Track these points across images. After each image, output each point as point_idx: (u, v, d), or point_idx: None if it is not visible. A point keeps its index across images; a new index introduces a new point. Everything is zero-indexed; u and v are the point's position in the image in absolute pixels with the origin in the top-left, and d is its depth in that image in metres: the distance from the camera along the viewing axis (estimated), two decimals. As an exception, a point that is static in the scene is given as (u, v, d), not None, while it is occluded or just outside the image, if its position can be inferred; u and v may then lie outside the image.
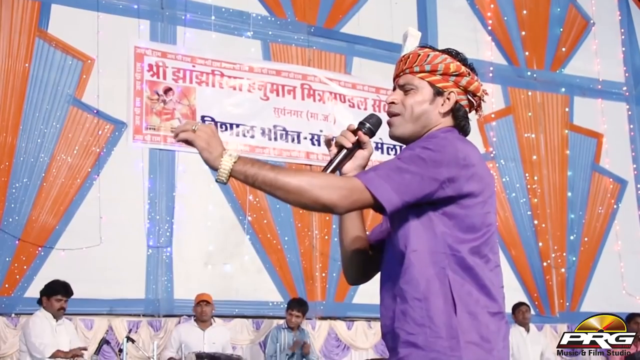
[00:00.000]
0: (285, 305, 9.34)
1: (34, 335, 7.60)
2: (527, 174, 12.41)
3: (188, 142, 2.42)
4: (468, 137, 2.68)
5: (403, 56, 2.75)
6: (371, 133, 2.68)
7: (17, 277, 8.83)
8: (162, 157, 9.78)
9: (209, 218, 9.94)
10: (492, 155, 12.18)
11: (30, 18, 9.40)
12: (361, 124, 2.67)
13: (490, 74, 12.41)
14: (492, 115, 12.33)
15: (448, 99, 2.66)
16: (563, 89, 13.04)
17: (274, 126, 10.52)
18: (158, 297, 9.45)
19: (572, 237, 12.47)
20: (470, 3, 12.61)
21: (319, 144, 10.74)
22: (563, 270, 12.22)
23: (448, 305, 2.44)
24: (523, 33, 12.95)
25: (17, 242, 8.86)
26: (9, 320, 8.65)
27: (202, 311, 8.76)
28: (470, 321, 2.44)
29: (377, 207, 2.42)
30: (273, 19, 10.93)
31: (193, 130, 2.40)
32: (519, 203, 12.24)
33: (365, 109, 11.16)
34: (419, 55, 2.67)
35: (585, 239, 12.55)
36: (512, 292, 11.47)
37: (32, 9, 9.43)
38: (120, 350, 7.70)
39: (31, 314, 8.07)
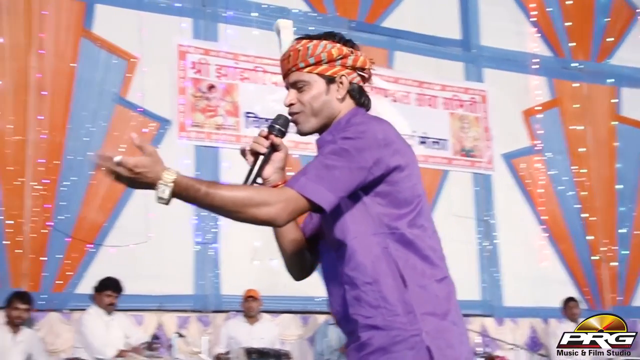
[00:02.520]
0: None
1: (90, 336, 7.91)
2: (574, 167, 12.41)
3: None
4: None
5: (284, 55, 2.81)
6: (282, 134, 2.76)
7: (69, 273, 9.02)
8: (207, 154, 10.00)
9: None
10: (538, 148, 12.22)
11: (76, 18, 9.63)
12: (270, 127, 2.75)
13: (535, 66, 12.47)
14: (538, 108, 12.37)
15: (341, 83, 2.75)
16: (610, 80, 13.00)
17: None
18: (206, 293, 9.61)
19: (622, 230, 12.46)
20: None
21: None
22: (614, 264, 12.20)
23: (398, 283, 2.56)
24: (568, 24, 12.94)
25: (67, 239, 9.06)
26: (62, 316, 8.86)
27: (250, 307, 8.96)
28: (421, 293, 2.56)
29: (315, 209, 2.51)
30: (314, 14, 11.10)
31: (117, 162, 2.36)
32: (567, 196, 12.26)
33: (408, 103, 11.30)
34: (299, 50, 2.74)
35: (637, 232, 12.48)
36: (562, 286, 11.60)
37: (78, 9, 9.65)
38: (170, 346, 7.91)
39: (82, 309, 8.38)
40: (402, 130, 10.68)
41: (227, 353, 8.50)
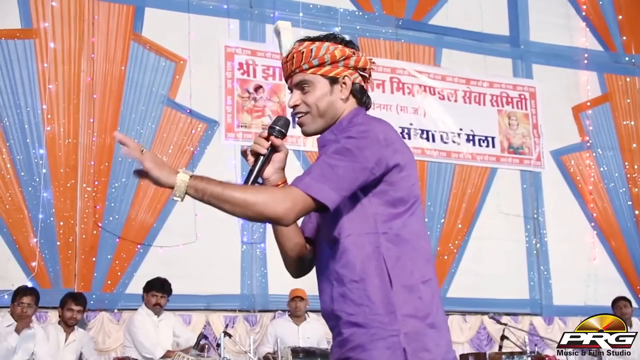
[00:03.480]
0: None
1: (140, 335, 8.02)
2: (626, 163, 12.29)
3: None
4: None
5: (288, 56, 2.85)
6: (282, 135, 2.78)
7: (119, 274, 9.18)
8: (254, 154, 10.10)
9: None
10: (588, 144, 12.10)
11: (125, 22, 9.78)
12: (271, 128, 2.77)
13: (585, 61, 12.33)
14: (588, 104, 12.23)
15: (344, 83, 2.80)
16: (663, 74, 12.79)
17: None
18: (253, 293, 9.70)
19: (677, 228, 12.26)
20: None
21: (408, 137, 10.81)
22: (667, 261, 12.04)
23: (384, 283, 2.60)
24: (620, 17, 12.80)
25: (117, 240, 9.22)
26: (112, 316, 9.02)
27: (297, 306, 8.95)
28: (405, 294, 2.60)
29: (319, 208, 2.55)
30: (360, 13, 11.12)
31: (141, 152, 2.52)
32: (619, 193, 12.13)
33: (455, 100, 11.27)
34: (303, 52, 2.78)
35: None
36: (613, 284, 11.48)
37: (127, 13, 9.81)
38: (218, 345, 7.81)
39: (132, 309, 8.55)
40: (449, 128, 11.04)
41: (274, 353, 8.47)
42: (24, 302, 7.63)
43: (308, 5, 10.80)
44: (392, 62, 11.09)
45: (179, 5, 10.03)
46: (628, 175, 12.34)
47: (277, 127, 2.77)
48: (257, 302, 9.77)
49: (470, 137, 11.31)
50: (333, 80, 2.80)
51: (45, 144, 9.21)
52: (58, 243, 9.09)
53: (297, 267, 2.97)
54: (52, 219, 9.11)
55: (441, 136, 11.16)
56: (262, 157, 2.75)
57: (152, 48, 9.88)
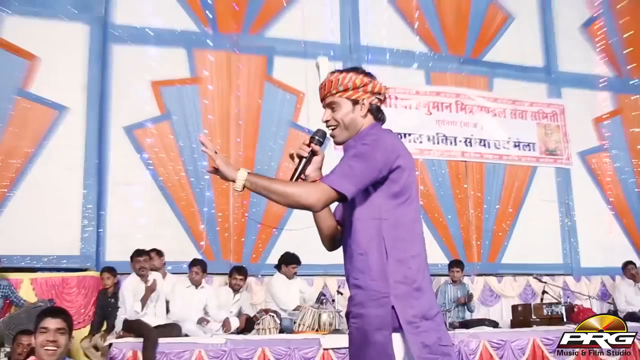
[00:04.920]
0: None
1: (277, 294, 7.90)
2: (634, 160, 11.62)
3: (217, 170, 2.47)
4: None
5: (322, 84, 2.75)
6: (320, 143, 2.67)
7: (260, 249, 9.08)
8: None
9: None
10: (605, 147, 11.41)
11: (261, 68, 9.69)
12: (311, 137, 2.66)
13: (602, 84, 11.64)
14: (605, 116, 11.58)
15: (363, 104, 2.69)
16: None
17: (437, 134, 10.29)
18: None
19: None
20: (583, 32, 11.79)
21: (470, 145, 10.43)
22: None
23: (382, 256, 2.50)
24: (629, 50, 12.05)
25: (259, 225, 9.12)
26: (257, 280, 8.91)
27: None
28: (397, 266, 2.49)
29: (341, 198, 2.45)
30: (432, 53, 10.65)
31: (215, 152, 2.46)
32: (629, 183, 11.47)
33: (504, 116, 10.74)
34: (332, 81, 2.69)
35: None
36: (625, 251, 10.90)
37: (262, 61, 9.72)
38: (333, 300, 7.76)
39: (270, 274, 8.35)
40: (500, 138, 10.55)
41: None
42: (195, 270, 7.62)
43: (393, 50, 10.38)
44: (457, 89, 10.62)
45: (299, 54, 9.69)
46: (635, 169, 11.64)
47: (317, 137, 2.67)
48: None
49: (516, 144, 10.74)
50: (355, 102, 2.70)
51: (207, 158, 9.14)
52: (218, 228, 9.02)
53: (330, 243, 2.84)
54: (213, 211, 9.04)
55: (495, 144, 10.63)
56: (304, 159, 2.65)
57: (280, 85, 9.63)
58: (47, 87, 8.56)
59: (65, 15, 8.84)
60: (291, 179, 2.60)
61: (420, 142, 10.25)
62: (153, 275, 7.18)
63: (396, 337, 2.46)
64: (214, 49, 9.55)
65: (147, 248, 7.50)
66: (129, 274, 7.26)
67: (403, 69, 10.48)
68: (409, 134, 10.17)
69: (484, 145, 10.61)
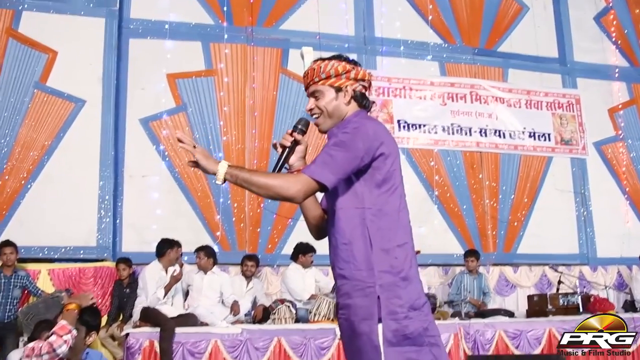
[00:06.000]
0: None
1: (292, 284, 7.77)
2: (649, 149, 11.19)
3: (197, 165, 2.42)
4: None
5: (305, 72, 2.67)
6: (302, 132, 2.60)
7: (276, 240, 8.94)
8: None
9: (407, 194, 9.77)
10: (621, 137, 11.12)
11: (276, 61, 9.52)
12: (294, 127, 2.60)
13: (616, 74, 11.32)
14: (619, 106, 11.24)
15: (347, 91, 2.59)
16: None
17: (451, 124, 10.08)
18: None
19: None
20: (597, 22, 11.53)
21: (485, 136, 10.21)
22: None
23: (366, 246, 2.41)
24: (642, 40, 11.57)
25: (274, 216, 8.98)
26: (272, 270, 8.81)
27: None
28: (383, 255, 2.40)
29: (322, 188, 2.38)
30: (446, 45, 10.45)
31: (193, 146, 2.40)
32: (644, 171, 11.05)
33: (519, 107, 10.49)
34: (314, 69, 2.61)
35: None
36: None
37: (277, 54, 9.55)
38: None
39: (286, 265, 8.21)
40: (515, 128, 10.28)
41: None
42: (199, 255, 7.58)
43: (407, 42, 10.18)
44: (471, 80, 10.40)
45: (313, 46, 9.32)
46: (651, 158, 11.24)
47: (299, 126, 2.60)
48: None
49: (532, 134, 10.48)
50: (338, 89, 2.60)
51: (223, 149, 9.02)
52: (233, 219, 8.88)
53: (317, 232, 2.76)
54: (229, 202, 8.91)
55: (510, 134, 10.37)
56: (287, 149, 2.58)
57: (295, 77, 9.44)
58: (64, 81, 8.46)
59: (81, 9, 8.75)
60: (274, 169, 2.52)
61: (435, 133, 10.04)
62: (173, 268, 7.16)
63: (382, 328, 2.39)
64: (230, 41, 9.40)
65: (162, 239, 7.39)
66: (145, 264, 7.18)
67: (417, 60, 10.27)
68: (424, 125, 9.99)
69: (499, 135, 10.38)
